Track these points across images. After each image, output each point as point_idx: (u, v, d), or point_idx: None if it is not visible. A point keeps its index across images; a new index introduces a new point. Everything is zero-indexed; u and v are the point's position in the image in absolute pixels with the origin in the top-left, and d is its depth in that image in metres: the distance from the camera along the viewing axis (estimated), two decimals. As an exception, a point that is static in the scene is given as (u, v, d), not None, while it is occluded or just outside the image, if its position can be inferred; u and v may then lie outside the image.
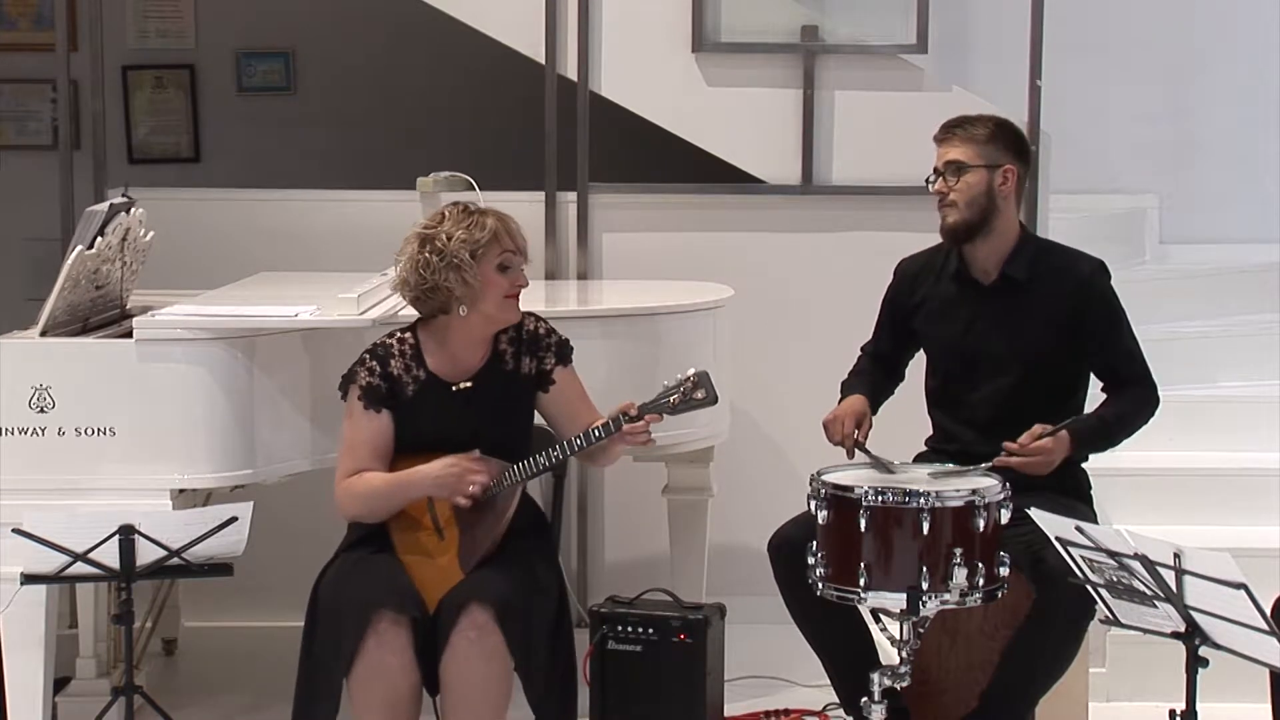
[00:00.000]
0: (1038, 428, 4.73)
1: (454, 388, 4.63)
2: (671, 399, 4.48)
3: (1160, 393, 5.00)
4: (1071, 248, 5.09)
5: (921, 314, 5.15)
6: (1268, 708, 4.36)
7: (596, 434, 4.50)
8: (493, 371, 4.65)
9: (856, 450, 4.88)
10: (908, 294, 5.17)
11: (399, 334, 4.69)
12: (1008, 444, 4.71)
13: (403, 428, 4.64)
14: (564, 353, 4.71)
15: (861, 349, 5.32)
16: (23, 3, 8.07)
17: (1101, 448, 4.96)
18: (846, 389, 5.16)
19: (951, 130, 4.94)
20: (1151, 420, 4.96)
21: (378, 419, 4.63)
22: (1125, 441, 4.95)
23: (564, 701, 4.61)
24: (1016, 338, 4.92)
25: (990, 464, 4.70)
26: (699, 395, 4.48)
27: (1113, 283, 5.04)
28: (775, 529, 4.91)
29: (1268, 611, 3.77)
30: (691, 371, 4.49)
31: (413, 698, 4.41)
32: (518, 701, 4.47)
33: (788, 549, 4.79)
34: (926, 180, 4.93)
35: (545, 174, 6.38)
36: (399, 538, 4.61)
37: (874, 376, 5.24)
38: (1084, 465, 5.00)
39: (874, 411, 5.10)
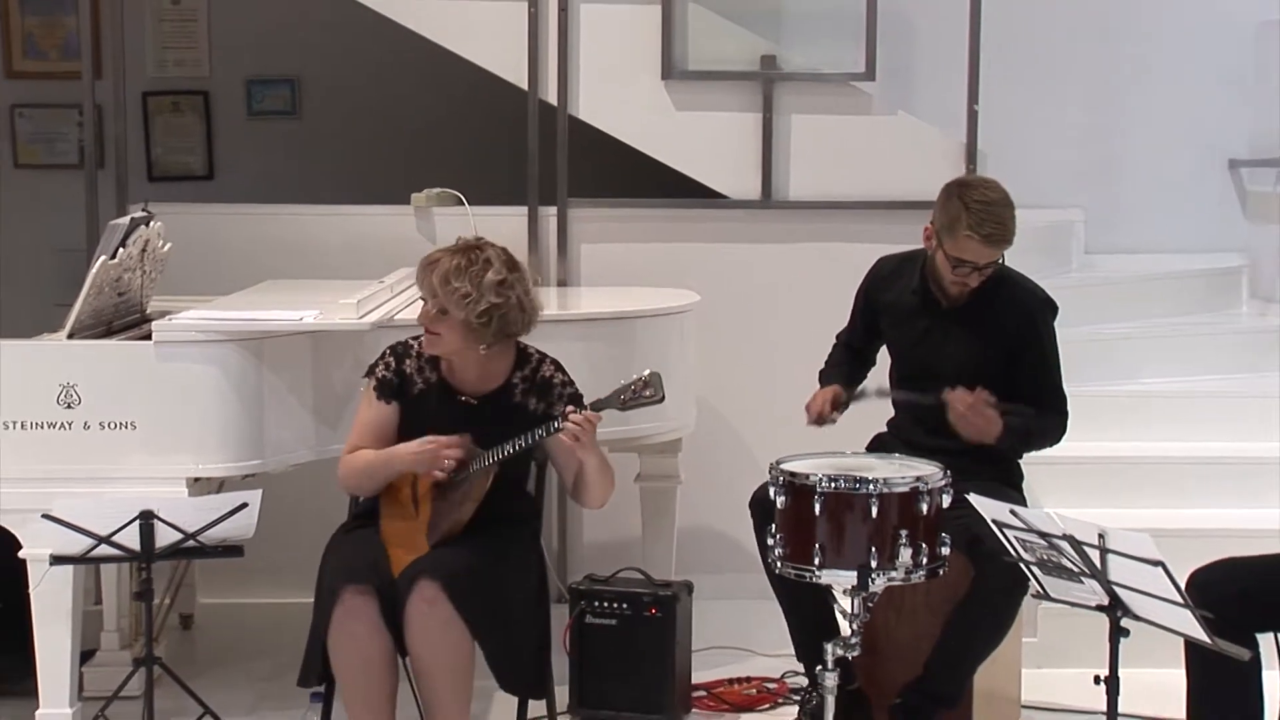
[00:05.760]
0: (992, 398, 4.76)
1: (460, 398, 4.61)
2: (622, 397, 4.45)
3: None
4: (1027, 280, 5.07)
5: (887, 317, 5.16)
6: (1183, 673, 4.37)
7: (551, 428, 4.46)
8: (499, 399, 4.60)
9: (834, 417, 4.96)
10: (878, 292, 5.19)
11: (426, 351, 4.66)
12: (961, 389, 4.75)
13: (407, 422, 4.62)
14: (576, 404, 4.55)
15: (837, 336, 5.34)
16: (52, 35, 8.04)
17: (1015, 451, 5.02)
18: (824, 379, 5.20)
19: (1004, 241, 4.83)
20: (1057, 443, 5.02)
21: (385, 408, 4.63)
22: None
23: (541, 670, 4.62)
24: (964, 356, 4.93)
25: (934, 399, 4.78)
26: (648, 394, 4.44)
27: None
28: (743, 524, 4.92)
29: (1183, 586, 3.79)
30: (646, 372, 4.46)
31: (383, 660, 4.37)
32: (487, 671, 4.46)
33: (767, 506, 4.79)
34: (967, 269, 4.83)
35: (528, 190, 6.38)
36: (384, 510, 4.61)
37: (847, 367, 5.27)
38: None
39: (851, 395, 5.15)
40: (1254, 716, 4.27)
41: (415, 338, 4.67)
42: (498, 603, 4.41)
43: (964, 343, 4.95)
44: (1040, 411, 4.95)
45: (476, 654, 4.39)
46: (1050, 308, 5.03)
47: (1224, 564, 4.36)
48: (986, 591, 4.73)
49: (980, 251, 4.82)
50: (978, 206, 4.80)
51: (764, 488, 4.85)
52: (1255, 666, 4.20)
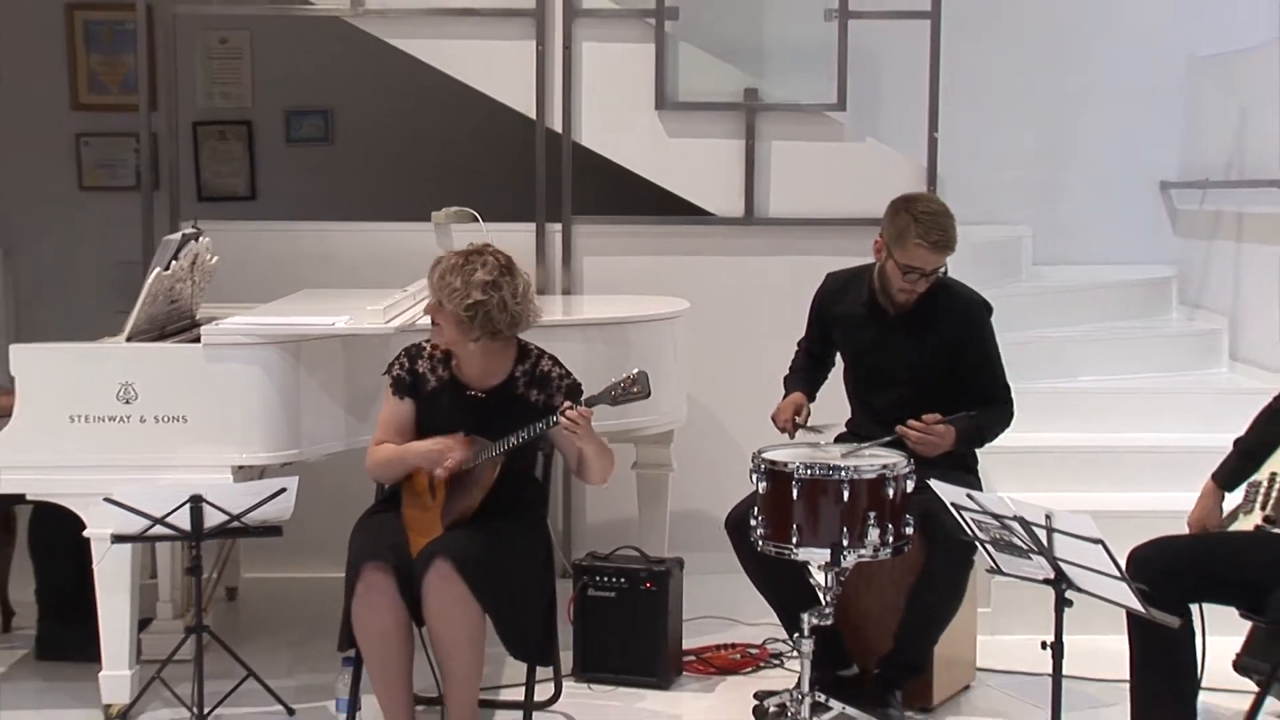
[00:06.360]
0: (936, 415, 4.74)
1: (468, 392, 4.60)
2: (612, 393, 4.45)
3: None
4: (964, 286, 5.06)
5: (839, 327, 5.14)
6: (1119, 638, 4.38)
7: (550, 422, 4.46)
8: (504, 392, 4.59)
9: (798, 431, 4.89)
10: (830, 304, 5.16)
11: (432, 344, 4.66)
12: (911, 421, 4.72)
13: (422, 415, 4.62)
14: (574, 394, 4.58)
15: (798, 344, 5.31)
16: (113, 72, 8.05)
17: (973, 446, 4.99)
18: (788, 385, 5.17)
19: (949, 247, 4.80)
20: (1007, 429, 4.99)
21: (401, 404, 4.62)
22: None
23: (548, 638, 4.61)
24: (912, 359, 4.92)
25: (891, 437, 4.72)
26: (635, 390, 4.44)
27: (995, 297, 5.06)
28: (729, 507, 4.88)
29: (1122, 562, 3.79)
30: (635, 370, 4.45)
31: (400, 630, 4.36)
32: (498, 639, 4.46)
33: (740, 525, 4.78)
34: (916, 276, 4.79)
35: (536, 208, 6.37)
36: (405, 496, 4.61)
37: (808, 372, 5.24)
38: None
39: (813, 398, 5.11)
40: (1189, 678, 4.28)
41: (428, 340, 4.66)
42: (505, 579, 4.39)
43: (912, 348, 4.93)
44: (988, 404, 4.94)
45: (487, 625, 4.39)
46: (986, 309, 5.01)
47: (1161, 541, 4.36)
48: (938, 566, 4.73)
49: (928, 258, 4.80)
50: (925, 217, 4.79)
51: (738, 509, 4.84)
52: (1189, 633, 4.21)
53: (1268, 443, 4.49)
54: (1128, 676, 4.34)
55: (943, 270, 4.87)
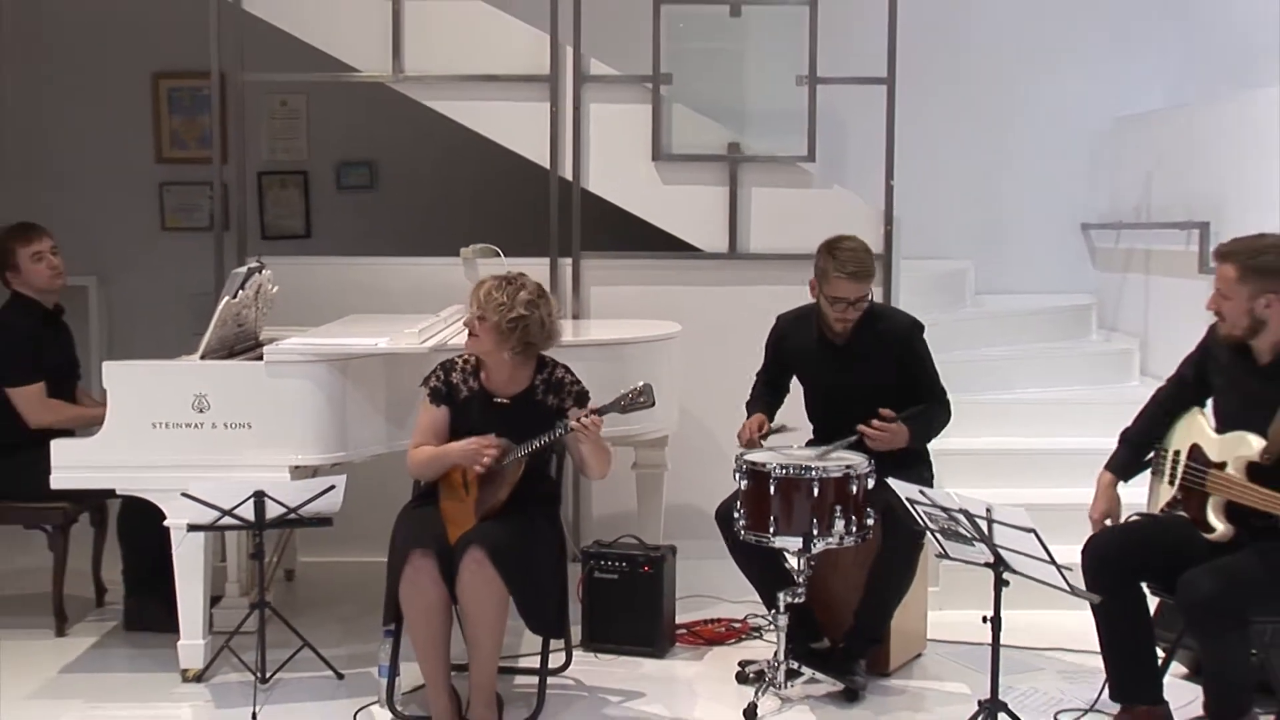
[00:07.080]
0: (891, 413, 4.69)
1: (495, 400, 4.57)
2: (621, 403, 4.44)
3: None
4: (895, 311, 5.01)
5: (795, 362, 5.08)
6: (1050, 613, 4.37)
7: (566, 428, 4.43)
8: (525, 397, 4.56)
9: (761, 441, 4.84)
10: (784, 344, 5.10)
11: (467, 354, 4.63)
12: (871, 420, 4.67)
13: (455, 421, 4.59)
14: (581, 399, 4.58)
15: (756, 374, 5.24)
16: (191, 130, 8.06)
17: (925, 440, 4.93)
18: (749, 408, 5.10)
19: (868, 276, 4.75)
20: (948, 424, 4.94)
21: (437, 411, 4.59)
22: (946, 436, 4.96)
23: (561, 614, 4.59)
24: (864, 381, 4.84)
25: (853, 438, 4.68)
26: (642, 400, 4.44)
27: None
28: (716, 502, 4.85)
29: (1052, 549, 3.77)
30: (641, 383, 4.45)
31: (441, 606, 4.34)
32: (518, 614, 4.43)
33: (728, 517, 4.75)
34: (843, 305, 4.75)
35: (550, 245, 6.36)
36: (442, 491, 4.57)
37: (766, 398, 5.15)
38: (927, 445, 4.98)
39: (772, 418, 5.04)
40: (1146, 634, 4.32)
41: (460, 355, 4.63)
42: (528, 565, 4.38)
43: (863, 372, 4.86)
44: (930, 404, 4.88)
45: (510, 605, 4.37)
46: (918, 327, 4.94)
47: (1116, 528, 4.41)
48: (893, 551, 4.70)
49: (850, 288, 4.74)
50: (841, 253, 4.74)
51: (725, 503, 4.81)
52: (1141, 599, 4.29)
53: (1153, 436, 4.50)
54: (1098, 643, 4.35)
55: (869, 297, 4.81)
